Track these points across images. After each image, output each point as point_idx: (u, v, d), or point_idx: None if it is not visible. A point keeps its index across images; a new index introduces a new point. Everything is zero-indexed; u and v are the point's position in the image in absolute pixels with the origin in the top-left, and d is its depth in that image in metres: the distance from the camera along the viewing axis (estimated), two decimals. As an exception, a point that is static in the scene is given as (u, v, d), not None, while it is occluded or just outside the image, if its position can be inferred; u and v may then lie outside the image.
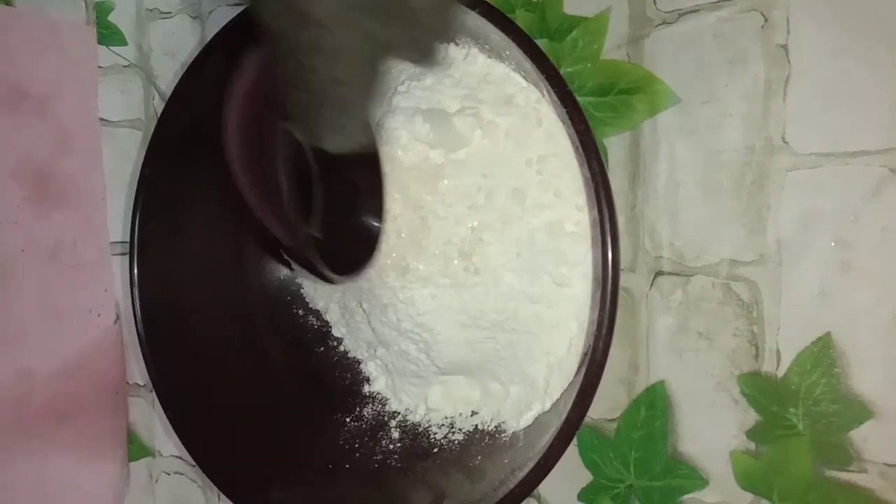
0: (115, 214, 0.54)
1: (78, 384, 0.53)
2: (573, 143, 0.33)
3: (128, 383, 0.55)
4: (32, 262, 0.52)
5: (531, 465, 0.32)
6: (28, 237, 0.51)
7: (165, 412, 0.39)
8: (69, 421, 0.53)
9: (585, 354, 0.34)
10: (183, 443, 0.39)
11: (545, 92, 0.34)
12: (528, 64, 0.31)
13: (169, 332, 0.41)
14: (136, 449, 0.54)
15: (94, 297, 0.54)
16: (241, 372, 0.43)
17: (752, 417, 0.36)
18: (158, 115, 0.50)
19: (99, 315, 0.54)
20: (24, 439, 0.52)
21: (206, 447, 0.39)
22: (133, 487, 0.54)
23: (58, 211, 0.53)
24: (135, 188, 0.51)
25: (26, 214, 0.52)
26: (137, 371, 0.54)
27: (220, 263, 0.44)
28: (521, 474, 0.32)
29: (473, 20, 0.33)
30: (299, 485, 0.39)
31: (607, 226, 0.28)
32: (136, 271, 0.40)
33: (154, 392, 0.51)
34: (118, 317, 0.54)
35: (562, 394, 0.36)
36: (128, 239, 0.51)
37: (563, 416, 0.31)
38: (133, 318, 0.51)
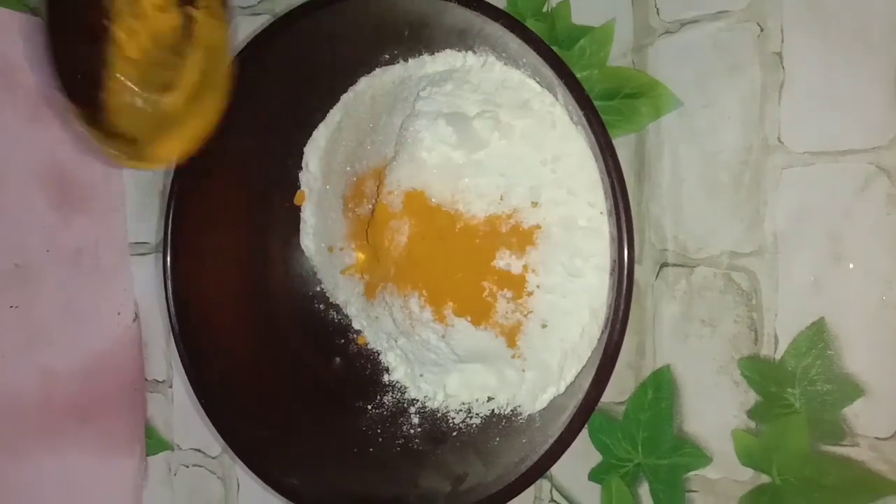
0: (133, 216, 0.56)
1: (98, 382, 0.55)
2: (589, 142, 0.35)
3: (146, 379, 0.56)
4: (56, 264, 0.53)
5: (548, 445, 0.34)
6: (52, 240, 0.53)
7: (199, 400, 0.41)
8: (90, 418, 0.54)
9: (599, 340, 0.37)
10: (217, 428, 0.41)
11: (559, 96, 0.37)
12: (546, 70, 0.33)
13: (199, 326, 0.43)
14: (154, 443, 0.56)
15: (115, 297, 0.56)
16: (267, 364, 0.45)
17: (752, 398, 0.39)
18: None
19: (119, 314, 0.56)
20: (46, 436, 0.54)
21: (237, 434, 0.41)
22: (152, 481, 0.56)
23: (80, 214, 0.54)
24: (152, 190, 0.54)
25: (50, 218, 0.53)
26: (156, 367, 0.56)
27: (246, 261, 0.46)
28: (539, 453, 0.34)
29: (493, 30, 0.35)
30: (327, 467, 0.41)
31: (622, 217, 0.31)
32: (169, 268, 0.41)
33: (172, 388, 0.54)
34: (137, 316, 0.56)
35: (575, 377, 0.38)
36: (146, 240, 0.54)
37: (580, 397, 0.34)
38: (161, 315, 0.54)
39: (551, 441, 0.33)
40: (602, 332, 0.37)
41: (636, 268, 0.40)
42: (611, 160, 0.31)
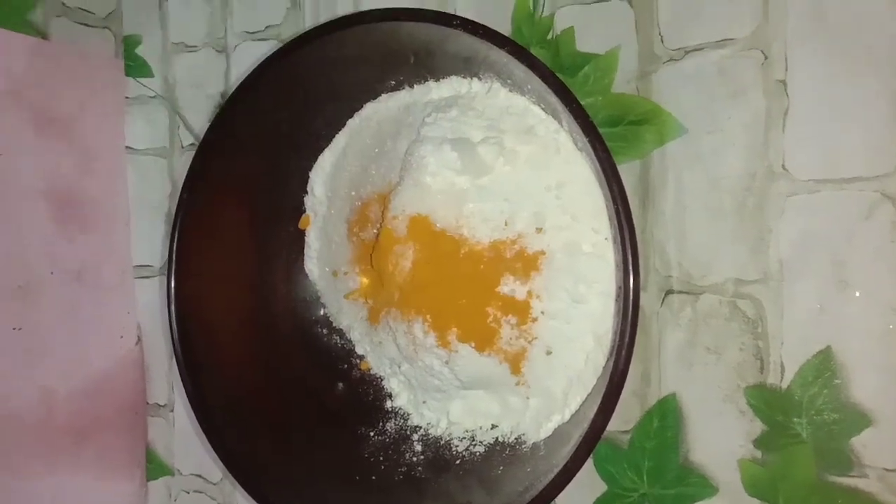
0: (138, 239, 0.56)
1: (99, 404, 0.55)
2: (594, 168, 0.35)
3: (147, 403, 0.56)
4: (59, 284, 0.53)
5: (553, 474, 0.34)
6: (55, 259, 0.53)
7: (200, 424, 0.41)
8: (89, 440, 0.54)
9: (604, 367, 0.37)
10: (217, 453, 0.40)
11: (564, 122, 0.37)
12: (551, 97, 0.33)
13: (202, 350, 0.43)
14: (154, 468, 0.56)
15: (118, 319, 0.56)
16: (269, 389, 0.45)
17: (758, 427, 0.38)
18: (184, 144, 0.53)
19: (121, 337, 0.56)
20: (44, 457, 0.53)
21: (238, 458, 0.40)
22: (152, 505, 0.56)
23: (84, 234, 0.54)
24: (157, 213, 0.54)
25: (53, 237, 0.53)
26: (157, 391, 0.56)
27: (250, 285, 0.46)
28: (543, 483, 0.34)
29: (498, 57, 0.35)
30: (329, 495, 0.41)
31: (627, 243, 0.31)
32: (173, 291, 0.41)
33: (173, 412, 0.54)
34: (139, 339, 0.56)
35: (580, 405, 0.38)
36: (150, 262, 0.54)
37: (585, 426, 0.33)
38: (164, 339, 0.54)
39: (556, 470, 0.32)
40: (607, 360, 0.37)
41: (641, 295, 0.40)
42: (616, 186, 0.31)
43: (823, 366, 0.37)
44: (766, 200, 0.38)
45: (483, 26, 0.34)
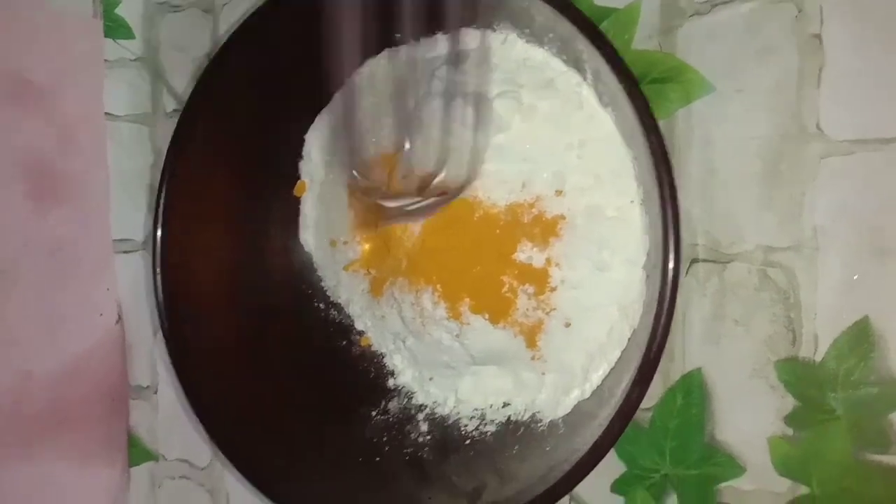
0: (118, 211, 0.53)
1: (78, 387, 0.52)
2: (620, 125, 0.33)
3: (129, 385, 0.53)
4: (33, 261, 0.50)
5: (580, 453, 0.31)
6: (28, 235, 0.50)
7: (193, 409, 0.38)
8: (68, 425, 0.51)
9: (630, 339, 0.34)
10: (211, 437, 0.38)
11: (588, 75, 0.35)
12: (580, 44, 0.31)
13: (189, 326, 0.40)
14: (137, 453, 0.52)
15: (96, 297, 0.52)
16: (263, 368, 0.42)
17: (789, 403, 0.36)
18: (167, 110, 0.50)
19: (101, 315, 0.52)
20: (20, 444, 0.50)
21: (231, 441, 0.38)
22: (134, 493, 0.52)
23: (59, 208, 0.51)
24: (139, 184, 0.51)
25: (27, 211, 0.50)
26: (140, 372, 0.52)
27: (240, 256, 0.43)
28: (570, 463, 0.32)
29: (519, 2, 0.33)
30: (328, 479, 0.39)
31: (668, 204, 0.28)
32: (158, 266, 0.39)
33: (157, 394, 0.51)
34: (120, 317, 0.53)
35: (602, 380, 0.35)
36: (131, 236, 0.51)
37: (615, 402, 0.31)
38: (146, 316, 0.51)
39: (584, 450, 0.30)
40: (633, 331, 0.34)
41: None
42: (655, 139, 0.28)
43: (860, 337, 0.35)
44: (798, 163, 0.36)
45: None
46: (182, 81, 0.51)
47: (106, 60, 0.52)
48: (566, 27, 0.30)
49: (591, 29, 0.29)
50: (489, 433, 0.39)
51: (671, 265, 0.28)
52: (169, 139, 0.48)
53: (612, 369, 0.35)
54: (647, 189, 0.33)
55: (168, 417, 0.51)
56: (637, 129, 0.29)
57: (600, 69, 0.31)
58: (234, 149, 0.43)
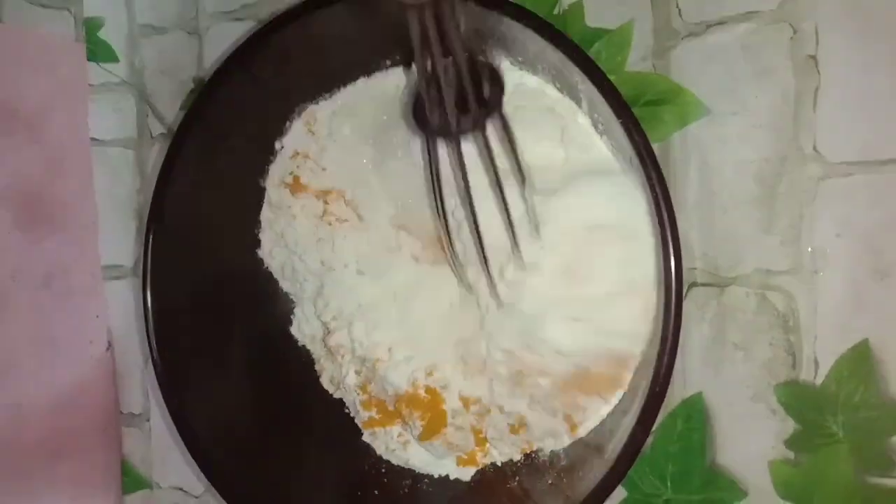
0: (106, 237, 0.52)
1: (70, 417, 0.51)
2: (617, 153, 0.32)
3: (121, 413, 0.52)
4: (23, 290, 0.49)
5: (590, 487, 0.31)
6: (18, 264, 0.49)
7: (183, 440, 0.37)
8: (61, 456, 0.50)
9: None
10: (203, 470, 0.37)
11: (583, 103, 0.34)
12: (574, 72, 0.30)
13: (180, 353, 0.39)
14: (130, 482, 0.52)
15: (87, 325, 0.51)
16: (257, 396, 0.41)
17: (790, 426, 0.36)
18: (153, 134, 0.49)
19: (91, 343, 0.51)
20: (14, 478, 0.50)
21: (226, 474, 0.37)
22: (129, 523, 0.52)
23: (49, 236, 0.50)
24: (126, 209, 0.50)
25: (16, 240, 0.49)
26: (131, 400, 0.52)
27: (233, 279, 0.42)
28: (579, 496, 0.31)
29: (511, 31, 0.32)
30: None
31: (668, 232, 0.28)
32: (149, 293, 0.38)
33: (149, 422, 0.50)
34: (110, 344, 0.52)
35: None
36: (120, 262, 0.50)
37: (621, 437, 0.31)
38: (136, 343, 0.50)
39: (594, 484, 0.29)
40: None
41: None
42: (652, 169, 0.28)
43: (860, 360, 0.35)
44: (796, 185, 0.36)
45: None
46: (168, 105, 0.50)
47: (90, 85, 0.51)
48: (558, 56, 0.30)
49: (582, 57, 0.29)
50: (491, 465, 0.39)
51: (674, 298, 0.28)
52: (154, 163, 0.48)
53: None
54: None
55: (161, 445, 0.50)
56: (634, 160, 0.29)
57: (594, 97, 0.30)
58: (223, 172, 0.42)
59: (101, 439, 0.52)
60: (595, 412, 0.36)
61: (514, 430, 0.37)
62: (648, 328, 0.33)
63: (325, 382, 0.42)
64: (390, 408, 0.39)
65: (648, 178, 0.28)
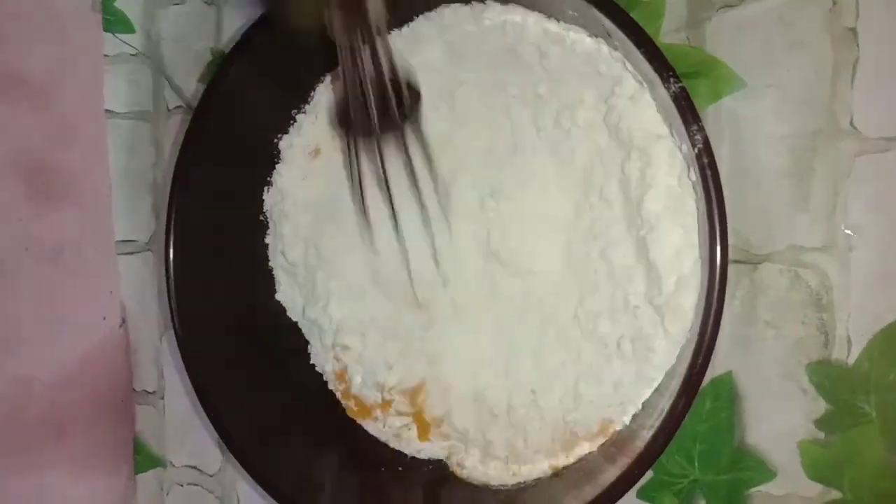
0: (120, 212, 0.51)
1: (80, 392, 0.50)
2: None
3: (134, 390, 0.52)
4: (33, 263, 0.48)
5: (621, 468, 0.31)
6: (28, 236, 0.48)
7: (206, 412, 0.37)
8: (70, 432, 0.50)
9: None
10: (227, 446, 0.37)
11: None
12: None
13: (201, 330, 0.39)
14: (143, 460, 0.51)
15: (100, 300, 0.51)
16: (275, 374, 0.41)
17: (821, 406, 0.35)
18: (170, 107, 0.48)
19: (104, 318, 0.51)
20: (21, 452, 0.49)
21: (244, 448, 0.37)
22: (142, 500, 0.51)
23: (60, 208, 0.49)
24: (141, 183, 0.50)
25: (26, 212, 0.48)
26: (145, 377, 0.51)
27: (251, 262, 0.42)
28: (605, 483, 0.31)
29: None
30: (350, 488, 0.37)
31: (714, 206, 0.28)
32: (171, 267, 0.37)
33: (164, 399, 0.49)
34: (124, 320, 0.51)
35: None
36: (134, 237, 0.50)
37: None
38: (151, 319, 0.50)
39: (624, 467, 0.29)
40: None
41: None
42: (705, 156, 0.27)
43: (894, 340, 0.34)
44: (832, 160, 0.35)
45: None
46: (185, 77, 0.49)
47: (105, 55, 0.50)
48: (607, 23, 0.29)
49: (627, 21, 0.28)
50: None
51: (717, 277, 0.28)
52: (171, 136, 0.48)
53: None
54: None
55: (175, 423, 0.50)
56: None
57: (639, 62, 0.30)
58: (246, 147, 0.41)
59: (113, 416, 0.51)
60: None
61: None
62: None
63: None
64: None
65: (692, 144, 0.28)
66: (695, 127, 0.30)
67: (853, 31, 0.34)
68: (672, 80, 0.30)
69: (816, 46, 0.35)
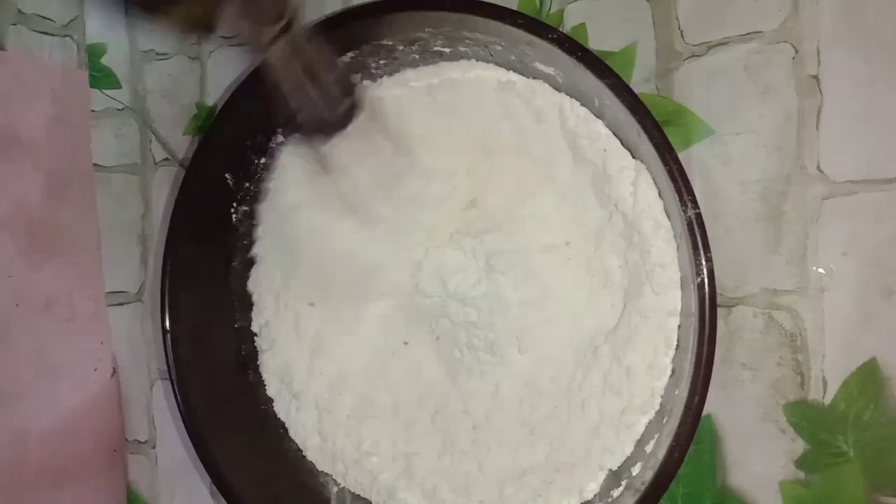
0: (110, 263, 0.52)
1: (75, 443, 0.50)
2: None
3: (126, 440, 0.52)
4: (26, 317, 0.49)
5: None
6: (21, 291, 0.49)
7: (203, 463, 0.38)
8: (66, 484, 0.50)
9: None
10: (223, 494, 0.37)
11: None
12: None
13: (197, 381, 0.40)
14: (136, 510, 0.51)
15: (91, 351, 0.51)
16: (276, 423, 0.42)
17: (800, 446, 0.36)
18: (157, 159, 0.49)
19: (95, 370, 0.51)
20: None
21: (249, 500, 0.37)
22: (136, 550, 0.51)
23: (51, 262, 0.50)
24: (130, 235, 0.50)
25: (19, 267, 0.49)
26: (137, 426, 0.51)
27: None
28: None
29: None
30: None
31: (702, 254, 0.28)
32: (167, 317, 0.39)
33: (155, 449, 0.50)
34: (115, 370, 0.52)
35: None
36: (124, 288, 0.50)
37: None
38: (141, 369, 0.50)
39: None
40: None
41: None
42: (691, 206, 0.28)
43: (869, 379, 0.35)
44: (801, 204, 0.36)
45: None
46: (171, 130, 0.50)
47: (93, 111, 0.51)
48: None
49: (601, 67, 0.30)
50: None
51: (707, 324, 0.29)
52: (158, 189, 0.48)
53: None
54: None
55: (167, 472, 0.50)
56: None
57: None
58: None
59: (106, 466, 0.51)
60: None
61: None
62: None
63: None
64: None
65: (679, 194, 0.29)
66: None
67: (816, 77, 0.35)
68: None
69: (782, 94, 0.36)
